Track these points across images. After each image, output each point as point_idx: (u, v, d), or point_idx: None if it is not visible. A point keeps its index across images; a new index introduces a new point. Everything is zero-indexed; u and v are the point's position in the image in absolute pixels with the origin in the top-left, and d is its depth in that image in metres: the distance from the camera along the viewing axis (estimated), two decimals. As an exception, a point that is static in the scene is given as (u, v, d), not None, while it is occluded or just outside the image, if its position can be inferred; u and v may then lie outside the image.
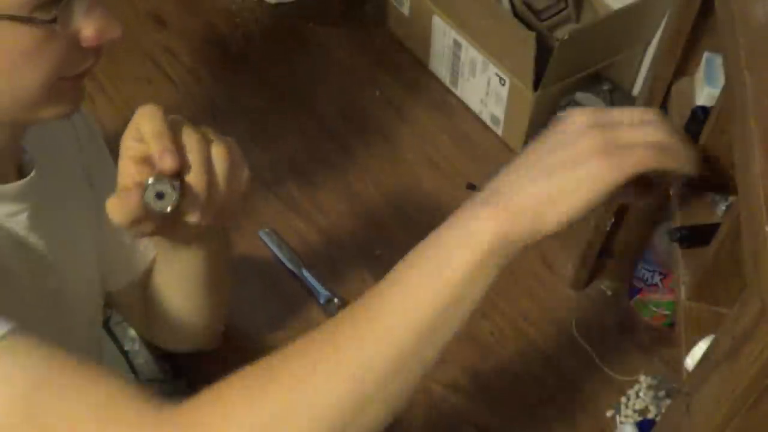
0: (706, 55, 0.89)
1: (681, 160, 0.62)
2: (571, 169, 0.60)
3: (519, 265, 1.23)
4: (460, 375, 1.10)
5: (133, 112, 1.49)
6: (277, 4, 1.53)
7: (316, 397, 0.58)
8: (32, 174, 0.74)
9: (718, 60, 0.87)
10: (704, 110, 0.86)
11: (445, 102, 1.41)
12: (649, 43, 1.30)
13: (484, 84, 1.33)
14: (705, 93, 0.88)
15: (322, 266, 1.18)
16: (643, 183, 0.66)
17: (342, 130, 1.36)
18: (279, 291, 1.16)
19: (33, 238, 0.75)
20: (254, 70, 1.43)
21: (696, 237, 0.81)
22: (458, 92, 1.40)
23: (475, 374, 1.10)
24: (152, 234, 0.74)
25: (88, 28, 0.64)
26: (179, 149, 0.69)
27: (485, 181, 1.24)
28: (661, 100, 0.94)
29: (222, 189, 0.71)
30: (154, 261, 0.94)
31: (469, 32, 1.32)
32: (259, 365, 0.61)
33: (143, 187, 0.67)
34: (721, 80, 0.84)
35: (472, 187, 1.27)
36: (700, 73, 0.90)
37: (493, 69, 1.29)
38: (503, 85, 1.29)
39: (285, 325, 1.12)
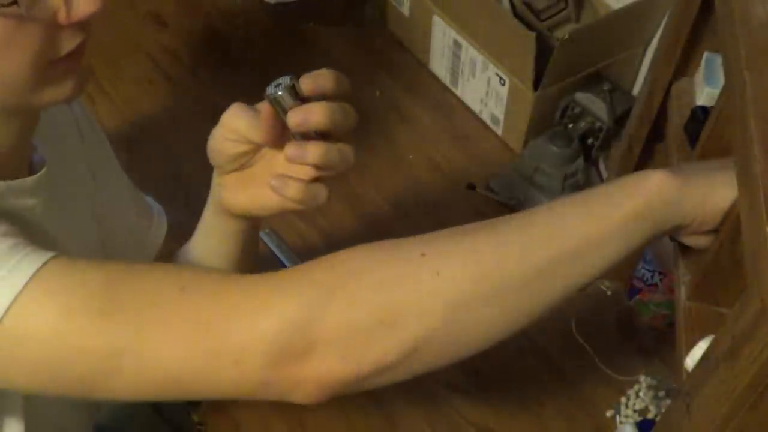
0: (706, 55, 0.89)
1: None
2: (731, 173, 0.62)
3: (519, 265, 1.24)
4: (460, 375, 1.10)
5: (133, 112, 1.50)
6: (277, 4, 1.53)
7: (442, 281, 0.62)
8: (44, 169, 0.74)
9: (718, 60, 0.87)
10: (704, 110, 0.86)
11: (445, 102, 1.41)
12: (649, 43, 1.30)
13: (484, 84, 1.33)
14: (705, 93, 0.88)
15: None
16: None
17: (342, 130, 1.36)
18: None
19: (45, 231, 0.75)
20: (254, 70, 1.43)
21: (696, 237, 0.81)
22: (458, 92, 1.40)
23: (475, 374, 1.10)
24: (233, 157, 0.77)
25: (61, 6, 0.63)
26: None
27: (484, 180, 1.24)
28: (661, 100, 0.94)
29: (317, 160, 0.72)
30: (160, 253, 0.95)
31: (469, 32, 1.32)
32: (394, 242, 0.69)
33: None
34: (721, 80, 0.84)
35: (472, 187, 1.28)
36: (700, 73, 0.90)
37: (493, 69, 1.29)
38: (503, 85, 1.29)
39: (285, 325, 1.12)
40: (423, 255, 0.61)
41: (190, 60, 1.45)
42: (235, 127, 0.76)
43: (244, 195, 0.79)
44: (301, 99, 0.70)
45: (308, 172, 0.74)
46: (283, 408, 1.05)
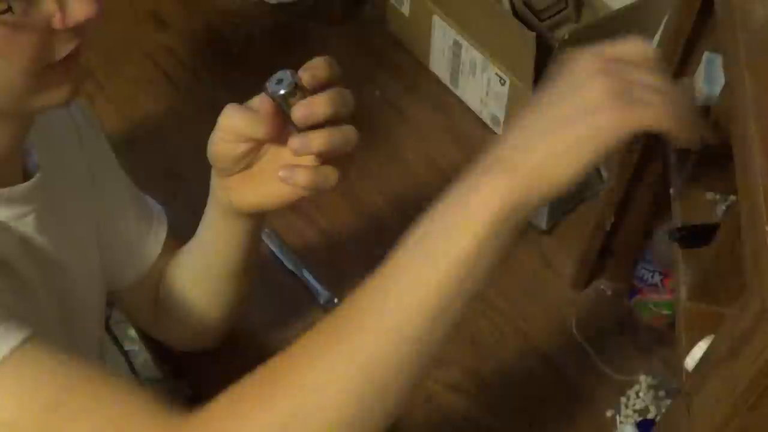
0: (706, 55, 0.89)
1: (690, 130, 0.60)
2: (582, 120, 0.58)
3: (519, 265, 1.24)
4: (460, 375, 1.10)
5: (133, 112, 1.50)
6: (277, 4, 1.53)
7: (326, 394, 0.58)
8: (37, 175, 0.74)
9: (718, 60, 0.87)
10: (704, 110, 0.86)
11: (445, 102, 1.41)
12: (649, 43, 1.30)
13: (484, 84, 1.33)
14: (705, 93, 0.88)
15: (323, 266, 1.18)
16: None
17: (342, 130, 1.36)
18: (279, 291, 1.16)
19: (40, 239, 0.75)
20: (254, 71, 1.42)
21: (696, 237, 0.81)
22: (458, 92, 1.40)
23: (475, 374, 1.10)
24: (235, 159, 0.77)
25: (56, 11, 0.62)
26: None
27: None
28: (661, 100, 0.93)
29: (323, 147, 0.72)
30: (161, 256, 0.94)
31: (469, 32, 1.32)
32: (268, 366, 0.61)
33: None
34: (721, 80, 0.84)
35: (472, 187, 1.27)
36: (700, 73, 0.90)
37: (493, 69, 1.29)
38: (503, 85, 1.29)
39: (285, 325, 1.12)
40: (302, 386, 0.58)
41: (190, 60, 1.45)
42: (235, 127, 0.76)
43: (254, 192, 0.80)
44: (301, 90, 0.71)
45: (315, 158, 0.74)
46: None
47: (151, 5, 1.52)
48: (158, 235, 0.96)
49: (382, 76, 1.44)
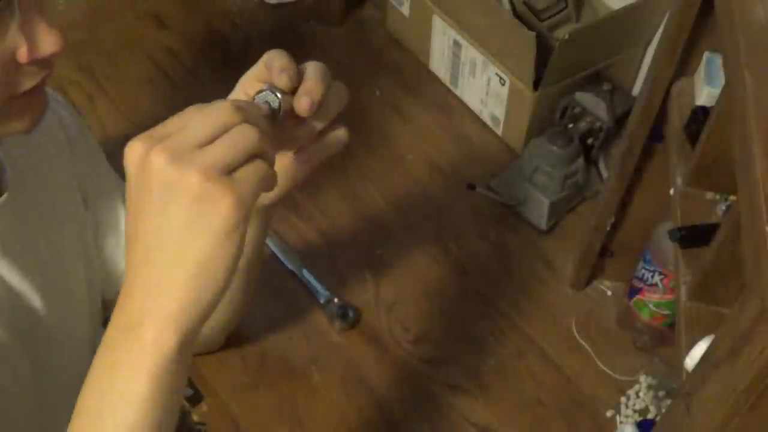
0: (706, 55, 0.89)
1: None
2: (194, 232, 0.54)
3: (519, 265, 1.25)
4: (460, 375, 1.10)
5: (133, 112, 1.50)
6: (277, 4, 1.53)
7: None
8: (4, 197, 0.71)
9: (718, 60, 0.87)
10: (704, 110, 0.86)
11: (445, 102, 1.41)
12: (649, 43, 1.30)
13: (484, 84, 1.33)
14: (705, 93, 0.88)
15: (323, 267, 1.18)
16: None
17: (342, 130, 1.36)
18: (279, 292, 1.16)
19: (2, 267, 0.72)
20: (254, 70, 1.43)
21: (696, 237, 0.81)
22: (458, 92, 1.40)
23: (475, 374, 1.10)
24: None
25: (21, 44, 0.60)
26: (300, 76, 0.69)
27: (484, 180, 1.25)
28: (661, 100, 0.94)
29: (331, 115, 0.72)
30: None
31: (469, 32, 1.32)
32: None
33: (255, 92, 0.68)
34: (721, 80, 0.84)
35: (472, 188, 1.28)
36: (700, 73, 0.90)
37: (493, 69, 1.29)
38: (503, 85, 1.29)
39: (285, 325, 1.12)
40: None
41: (190, 60, 1.45)
42: (268, 57, 0.74)
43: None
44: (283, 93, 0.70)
45: (315, 129, 0.73)
46: (283, 408, 1.05)
47: (151, 5, 1.52)
48: None
49: (382, 76, 1.44)
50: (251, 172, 0.56)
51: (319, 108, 0.70)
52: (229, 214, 0.54)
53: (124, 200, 0.90)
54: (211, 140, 0.55)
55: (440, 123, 1.38)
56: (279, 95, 0.67)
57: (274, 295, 1.15)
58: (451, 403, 1.07)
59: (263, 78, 0.70)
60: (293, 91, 0.69)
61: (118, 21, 1.50)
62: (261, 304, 1.14)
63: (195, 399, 1.06)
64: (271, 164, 0.59)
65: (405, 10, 1.44)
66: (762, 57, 0.63)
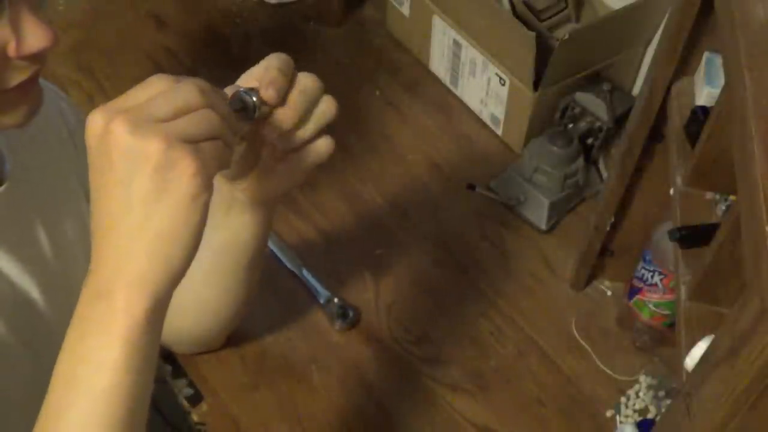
0: (706, 55, 0.89)
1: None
2: (157, 200, 0.55)
3: (519, 265, 1.25)
4: (460, 375, 1.10)
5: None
6: (277, 4, 1.53)
7: None
8: (5, 186, 0.71)
9: (718, 60, 0.87)
10: (704, 110, 0.86)
11: (445, 102, 1.41)
12: (649, 43, 1.30)
13: (484, 84, 1.33)
14: (705, 93, 0.88)
15: (323, 266, 1.18)
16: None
17: (342, 130, 1.35)
18: (279, 291, 1.16)
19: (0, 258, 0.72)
20: (254, 70, 1.43)
21: (696, 237, 0.81)
22: (458, 92, 1.40)
23: (475, 374, 1.10)
24: (235, 164, 0.75)
25: (11, 39, 0.60)
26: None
27: (484, 180, 1.24)
28: (661, 100, 0.94)
29: (305, 137, 0.71)
30: None
31: (469, 32, 1.32)
32: None
33: (234, 91, 0.68)
34: (721, 80, 0.84)
35: (472, 187, 1.28)
36: (700, 73, 0.90)
37: (493, 69, 1.29)
38: (503, 85, 1.29)
39: (285, 325, 1.12)
40: None
41: (190, 60, 1.45)
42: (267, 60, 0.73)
43: (270, 183, 0.77)
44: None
45: (309, 130, 0.73)
46: (283, 408, 1.05)
47: (151, 5, 1.52)
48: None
49: (382, 76, 1.44)
50: (212, 147, 0.57)
51: (303, 120, 0.70)
52: (192, 182, 0.55)
53: None
54: (173, 118, 0.56)
55: (440, 123, 1.38)
56: (255, 98, 0.67)
57: (273, 295, 1.14)
58: (451, 403, 1.07)
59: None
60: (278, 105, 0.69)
61: (118, 21, 1.50)
62: (261, 304, 1.14)
63: (195, 399, 1.06)
64: (230, 150, 0.60)
65: (405, 10, 1.44)
66: (762, 57, 0.63)
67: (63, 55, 1.44)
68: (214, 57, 1.46)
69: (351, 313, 1.13)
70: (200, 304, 0.94)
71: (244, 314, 0.99)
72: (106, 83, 1.39)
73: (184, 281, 0.93)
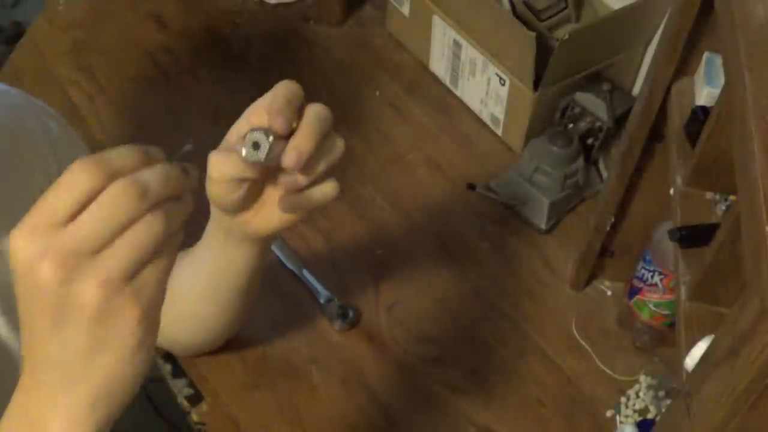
0: (706, 55, 0.89)
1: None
2: (95, 354, 0.49)
3: (519, 265, 1.25)
4: (460, 375, 1.10)
5: (133, 113, 1.50)
6: (277, 5, 1.53)
7: None
8: None
9: (718, 60, 0.87)
10: (704, 110, 0.86)
11: (445, 102, 1.41)
12: (649, 43, 1.30)
13: (484, 84, 1.33)
14: (705, 93, 0.88)
15: (323, 267, 1.18)
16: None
17: (342, 130, 1.35)
18: (279, 291, 1.16)
19: None
20: (254, 71, 1.43)
21: (696, 237, 0.81)
22: (458, 92, 1.40)
23: (475, 374, 1.10)
24: (237, 202, 0.73)
25: None
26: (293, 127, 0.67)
27: (484, 180, 1.24)
28: (661, 100, 0.94)
29: (318, 171, 0.70)
30: None
31: (469, 32, 1.32)
32: None
33: (245, 132, 0.66)
34: (721, 80, 0.84)
35: (472, 188, 1.28)
36: (700, 73, 0.90)
37: (493, 69, 1.29)
38: (503, 85, 1.29)
39: (285, 325, 1.12)
40: None
41: (190, 60, 1.45)
42: (226, 174, 0.71)
43: (269, 219, 0.76)
44: (276, 136, 0.67)
45: (321, 167, 0.72)
46: (283, 408, 1.05)
47: (151, 5, 1.52)
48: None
49: (382, 76, 1.44)
50: (155, 275, 0.50)
51: (307, 161, 0.68)
52: (134, 331, 0.49)
53: None
54: (111, 240, 0.48)
55: (440, 123, 1.38)
56: (270, 139, 0.64)
57: (274, 295, 1.14)
58: (451, 403, 1.07)
59: (259, 120, 0.68)
60: (290, 134, 0.67)
61: (118, 21, 1.50)
62: (261, 304, 1.14)
63: (195, 399, 1.06)
64: (175, 249, 0.53)
65: (405, 10, 1.44)
66: (762, 57, 0.63)
67: (63, 55, 1.44)
68: (214, 57, 1.46)
69: (351, 313, 1.13)
70: (196, 318, 0.94)
71: (243, 322, 0.99)
72: (106, 83, 1.39)
73: (180, 297, 0.93)
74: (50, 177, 0.79)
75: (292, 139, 0.67)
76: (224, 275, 0.87)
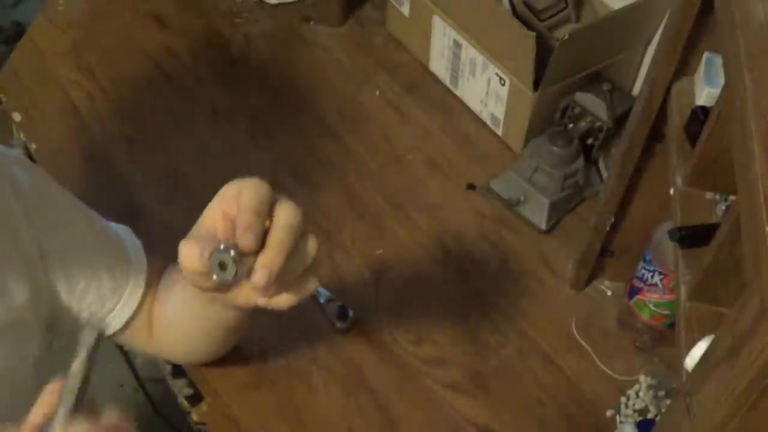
0: (706, 55, 0.89)
1: None
2: None
3: (519, 265, 1.25)
4: (460, 375, 1.10)
5: (133, 112, 1.49)
6: (277, 5, 1.53)
7: None
8: None
9: (718, 60, 0.87)
10: (704, 110, 0.86)
11: (445, 102, 1.41)
12: (649, 43, 1.30)
13: (484, 84, 1.33)
14: (705, 93, 0.88)
15: (323, 266, 1.18)
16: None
17: (342, 130, 1.36)
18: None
19: None
20: (254, 70, 1.43)
21: (696, 237, 0.81)
22: (458, 92, 1.40)
23: (475, 374, 1.10)
24: (209, 290, 0.72)
25: None
26: (265, 227, 0.64)
27: (484, 180, 1.25)
28: (661, 100, 0.94)
29: (290, 280, 0.67)
30: (145, 293, 0.91)
31: (469, 32, 1.32)
32: None
33: (211, 250, 0.64)
34: (721, 80, 0.84)
35: (472, 188, 1.28)
36: (700, 73, 0.90)
37: (493, 69, 1.29)
38: (503, 85, 1.29)
39: (285, 325, 1.12)
40: None
41: (190, 60, 1.45)
42: (195, 271, 0.69)
43: (249, 296, 0.73)
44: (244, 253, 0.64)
45: (295, 273, 0.68)
46: (283, 408, 1.05)
47: (151, 5, 1.52)
48: (137, 279, 0.90)
49: (382, 76, 1.44)
50: None
51: (289, 261, 0.65)
52: None
53: (94, 242, 0.85)
54: None
55: (440, 123, 1.38)
56: (236, 260, 0.62)
57: (274, 295, 1.14)
58: (451, 403, 1.07)
59: (230, 213, 0.65)
60: (258, 250, 0.64)
61: (118, 21, 1.50)
62: (261, 304, 1.14)
63: (195, 399, 1.06)
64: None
65: (405, 10, 1.44)
66: (762, 57, 0.63)
67: (63, 55, 1.44)
68: (214, 57, 1.46)
69: (351, 313, 1.13)
70: (191, 340, 0.95)
71: (230, 347, 0.99)
72: (106, 83, 1.39)
73: (173, 324, 0.92)
74: (17, 232, 0.77)
75: (261, 255, 0.64)
76: (213, 321, 0.87)
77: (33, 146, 1.32)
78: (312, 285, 0.70)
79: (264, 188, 0.65)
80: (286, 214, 0.66)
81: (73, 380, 0.56)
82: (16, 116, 1.35)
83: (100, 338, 0.59)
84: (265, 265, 0.64)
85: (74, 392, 0.56)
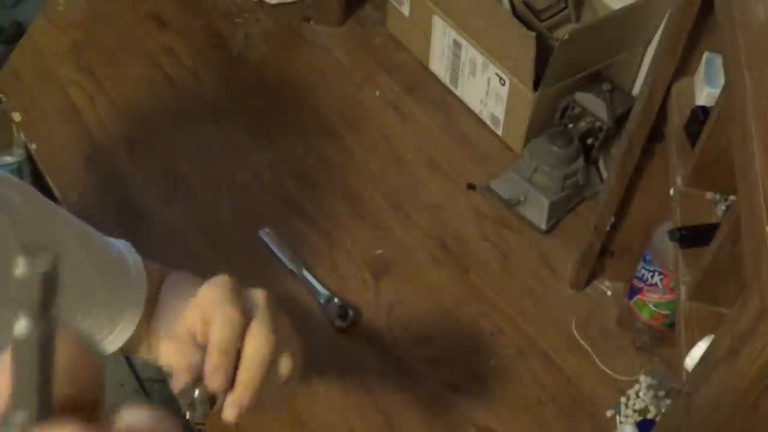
0: (706, 55, 0.89)
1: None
2: None
3: (519, 265, 1.25)
4: (460, 375, 1.10)
5: (133, 112, 1.49)
6: (277, 5, 1.53)
7: None
8: None
9: (718, 60, 0.87)
10: (704, 110, 0.86)
11: (445, 102, 1.41)
12: (649, 43, 1.30)
13: (484, 84, 1.33)
14: (705, 93, 0.88)
15: (323, 266, 1.18)
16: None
17: (342, 130, 1.36)
18: (279, 291, 1.15)
19: None
20: (254, 70, 1.43)
21: (696, 237, 0.81)
22: (458, 92, 1.40)
23: (475, 374, 1.10)
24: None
25: None
26: (237, 357, 0.62)
27: (484, 180, 1.25)
28: (661, 100, 0.94)
29: (265, 404, 0.65)
30: (146, 311, 0.88)
31: (469, 32, 1.32)
32: None
33: (181, 387, 0.62)
34: (721, 80, 0.84)
35: (472, 188, 1.28)
36: (700, 73, 0.90)
37: (493, 69, 1.29)
38: (503, 85, 1.29)
39: (285, 325, 1.12)
40: None
41: (190, 60, 1.45)
42: (214, 322, 0.65)
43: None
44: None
45: (270, 396, 0.66)
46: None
47: (151, 5, 1.52)
48: (137, 302, 0.87)
49: (382, 76, 1.44)
50: None
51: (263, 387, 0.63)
52: None
53: (95, 260, 0.83)
54: None
55: (440, 123, 1.38)
56: (204, 401, 0.61)
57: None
58: (451, 403, 1.07)
59: (200, 332, 0.63)
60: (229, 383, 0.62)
61: (118, 21, 1.50)
62: (261, 304, 1.14)
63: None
64: None
65: (405, 10, 1.44)
66: (762, 57, 0.63)
67: (63, 55, 1.44)
68: (214, 57, 1.46)
69: (351, 313, 1.13)
70: None
71: None
72: (106, 83, 1.39)
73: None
74: (8, 251, 0.74)
75: (231, 393, 0.63)
76: None
77: (33, 146, 1.32)
78: (283, 405, 0.69)
79: (235, 316, 0.62)
80: (257, 343, 0.64)
81: (27, 371, 0.35)
82: (16, 116, 1.35)
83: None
84: (235, 403, 0.63)
85: (33, 387, 0.36)
